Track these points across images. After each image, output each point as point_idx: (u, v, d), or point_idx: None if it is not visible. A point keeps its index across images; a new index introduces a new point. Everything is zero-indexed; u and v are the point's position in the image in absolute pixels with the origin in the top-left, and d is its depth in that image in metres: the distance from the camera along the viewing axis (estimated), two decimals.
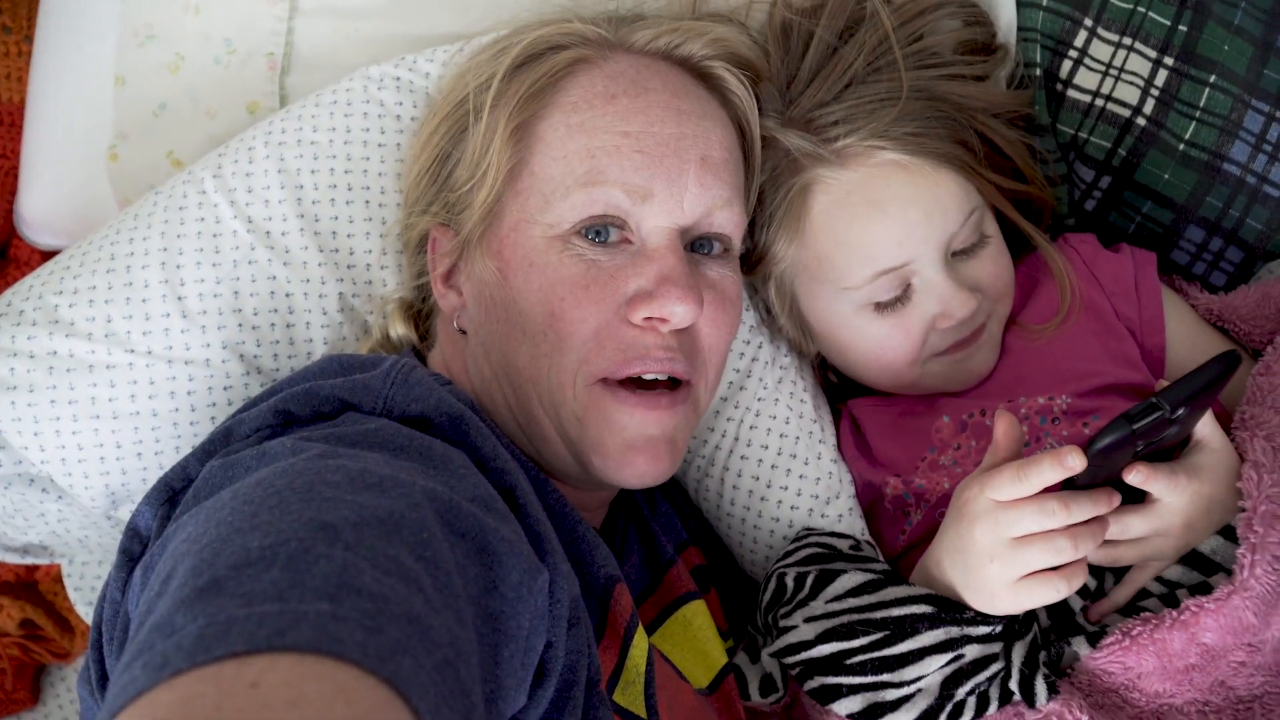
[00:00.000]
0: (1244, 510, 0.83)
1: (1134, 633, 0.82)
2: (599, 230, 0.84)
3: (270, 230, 0.97)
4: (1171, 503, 0.84)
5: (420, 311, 0.97)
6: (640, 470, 0.85)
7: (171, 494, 0.76)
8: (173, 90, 1.11)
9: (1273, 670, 0.81)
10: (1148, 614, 0.83)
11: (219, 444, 0.78)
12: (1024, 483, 0.77)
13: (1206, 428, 0.86)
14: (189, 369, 0.95)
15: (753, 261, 1.02)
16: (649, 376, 0.85)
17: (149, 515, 0.76)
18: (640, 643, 0.83)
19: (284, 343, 0.97)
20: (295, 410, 0.78)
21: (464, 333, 0.90)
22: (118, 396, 0.94)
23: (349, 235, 0.98)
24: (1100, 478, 0.79)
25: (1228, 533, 0.85)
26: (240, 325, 0.95)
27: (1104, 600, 0.90)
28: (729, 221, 0.89)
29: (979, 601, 0.83)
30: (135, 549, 0.75)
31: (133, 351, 0.94)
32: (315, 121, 1.01)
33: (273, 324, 0.96)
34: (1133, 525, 0.85)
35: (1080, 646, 0.85)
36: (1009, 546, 0.79)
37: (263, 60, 1.11)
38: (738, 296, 0.93)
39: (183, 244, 0.96)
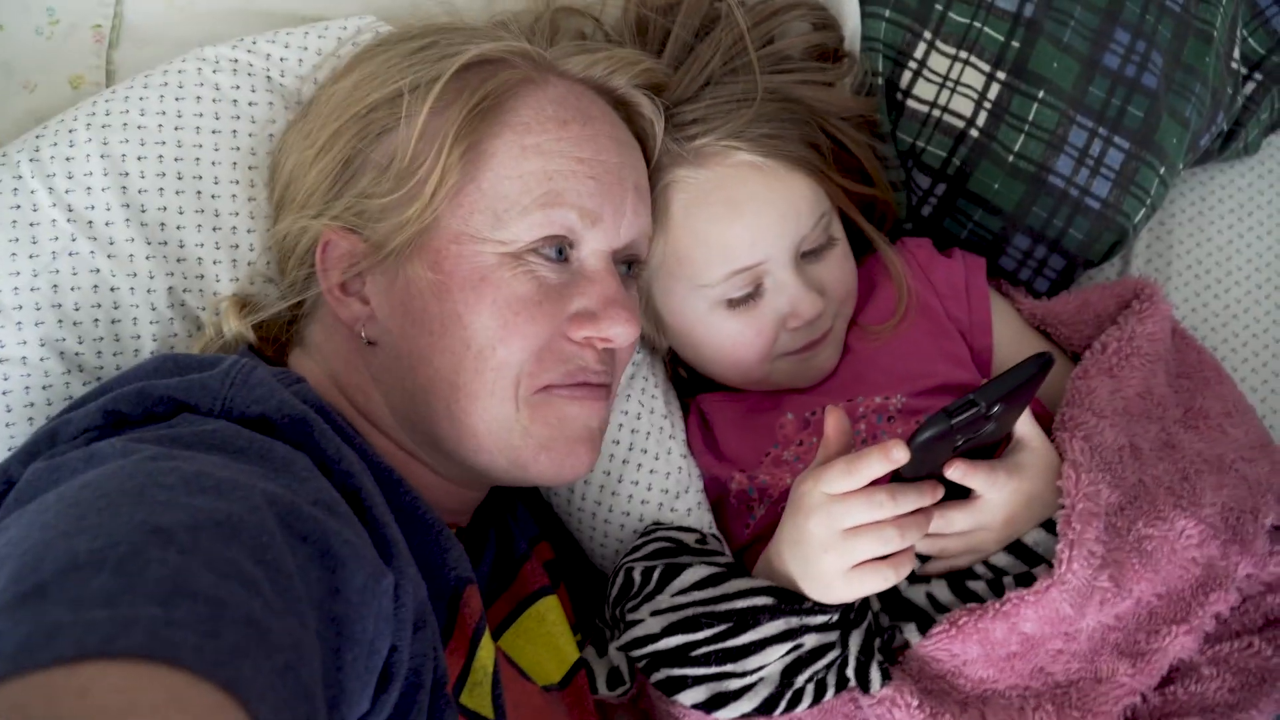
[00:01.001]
0: (1063, 507, 0.87)
1: (960, 622, 0.87)
2: (559, 249, 0.86)
3: (93, 220, 0.91)
4: (993, 498, 0.88)
5: (260, 310, 0.92)
6: (581, 461, 0.88)
7: None
8: None
9: (1086, 657, 0.86)
10: (973, 605, 0.87)
11: (44, 445, 0.74)
12: (853, 476, 0.81)
13: (1026, 427, 0.90)
14: (3, 368, 0.88)
15: None
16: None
17: None
18: (488, 644, 0.83)
19: (109, 339, 0.91)
20: (126, 410, 0.74)
21: (371, 343, 0.87)
22: None
23: (179, 227, 0.93)
24: (924, 472, 0.83)
25: (1050, 526, 0.90)
26: (60, 321, 0.89)
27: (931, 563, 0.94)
28: (645, 246, 0.94)
29: (816, 591, 0.86)
30: None
31: None
32: (144, 104, 0.95)
33: (96, 320, 0.91)
34: (956, 520, 0.89)
35: (911, 635, 0.89)
36: (841, 537, 0.82)
37: (89, 32, 1.05)
38: None
39: None
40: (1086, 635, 0.86)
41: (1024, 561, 0.91)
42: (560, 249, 0.86)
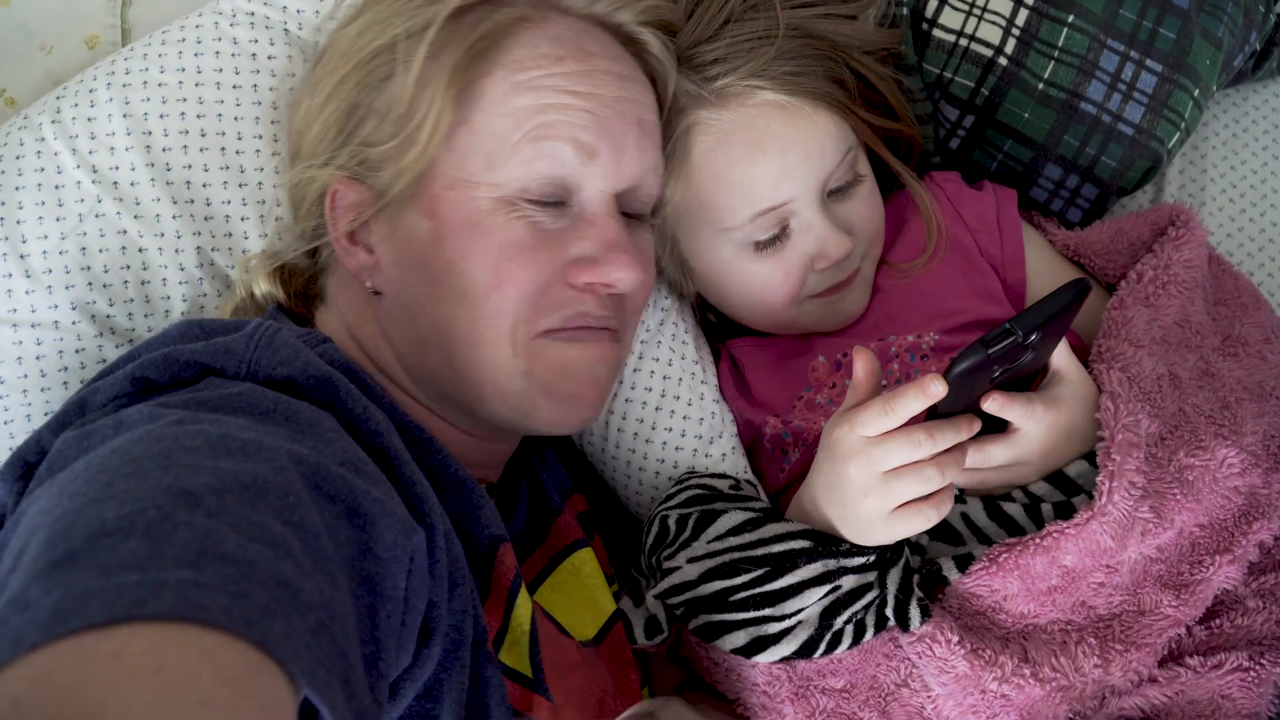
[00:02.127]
0: (1103, 439, 0.86)
1: (999, 558, 0.86)
2: (556, 198, 0.84)
3: (118, 180, 0.91)
4: (1030, 431, 0.87)
5: (287, 268, 0.92)
6: (586, 404, 0.87)
7: (26, 468, 0.72)
8: (4, 22, 1.02)
9: (1129, 590, 0.86)
10: (1011, 540, 0.87)
11: (73, 414, 0.74)
12: (890, 415, 0.79)
13: (1063, 359, 0.89)
14: (36, 332, 0.89)
15: None
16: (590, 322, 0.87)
17: (3, 491, 0.72)
18: (525, 602, 0.83)
19: (139, 301, 0.91)
20: (153, 377, 0.74)
21: (377, 293, 0.87)
22: None
23: (205, 185, 0.93)
24: (961, 406, 0.82)
25: (1090, 457, 0.89)
26: (90, 284, 0.89)
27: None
28: (656, 184, 0.92)
29: (855, 534, 0.86)
30: None
31: None
32: (163, 61, 0.94)
33: (125, 281, 0.91)
34: (994, 453, 0.88)
35: (950, 572, 0.89)
36: (881, 480, 0.81)
37: None
38: (654, 259, 0.95)
39: (21, 197, 0.89)
40: (1128, 567, 0.86)
41: (1062, 491, 0.90)
42: (557, 198, 0.84)
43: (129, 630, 0.46)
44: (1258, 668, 0.83)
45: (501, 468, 0.97)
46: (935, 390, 0.77)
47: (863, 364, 0.84)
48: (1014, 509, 0.90)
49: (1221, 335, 1.02)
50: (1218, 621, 0.87)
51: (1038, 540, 0.85)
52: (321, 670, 0.51)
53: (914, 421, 0.80)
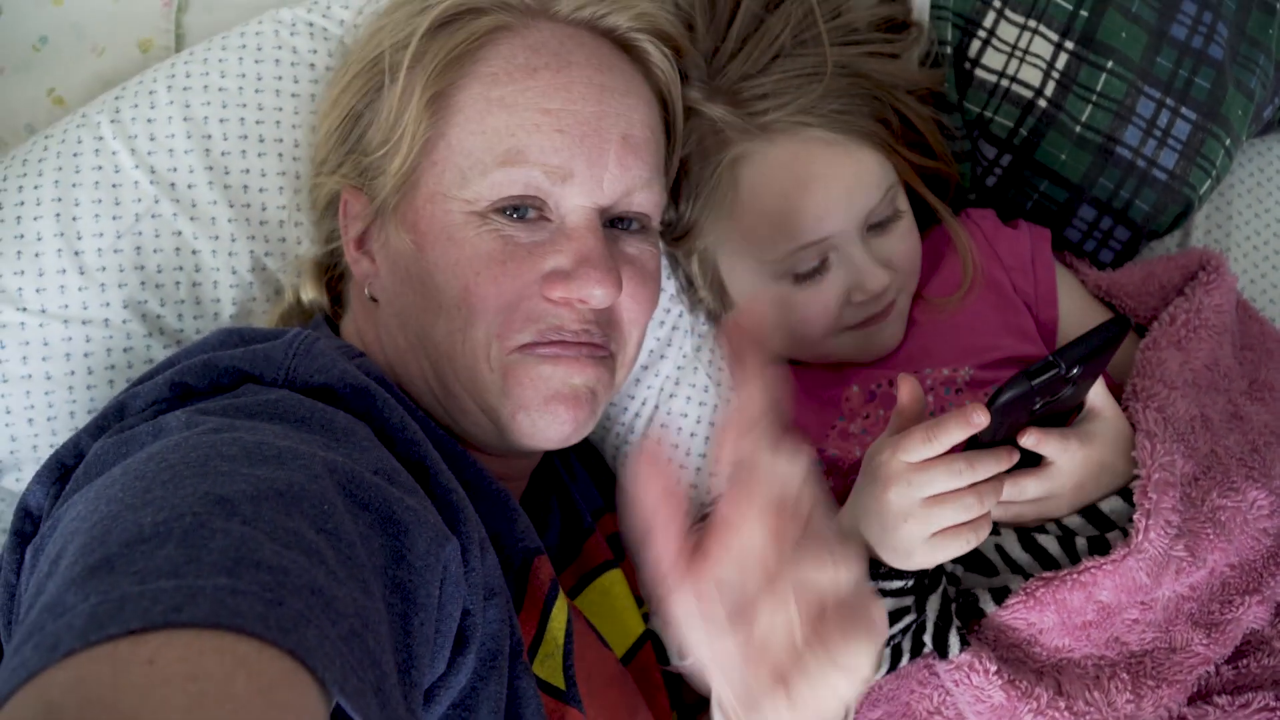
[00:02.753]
0: (1139, 477, 0.88)
1: (1036, 591, 0.87)
2: (517, 208, 0.82)
3: (175, 182, 0.91)
4: (1064, 466, 0.88)
5: (333, 276, 0.93)
6: (563, 420, 0.84)
7: (64, 471, 0.72)
8: (56, 22, 1.03)
9: (1161, 627, 0.87)
10: (1048, 574, 0.88)
11: (112, 419, 0.74)
12: (933, 443, 0.81)
13: (1099, 397, 0.91)
14: (86, 329, 0.89)
15: (678, 235, 1.03)
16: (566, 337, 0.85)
17: (40, 494, 0.72)
18: (559, 615, 0.83)
19: (190, 302, 0.92)
20: (192, 383, 0.74)
21: (375, 300, 0.87)
22: (8, 359, 0.87)
23: (261, 190, 0.93)
24: (1000, 436, 0.84)
25: (1125, 494, 0.91)
26: (143, 283, 0.90)
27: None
28: (648, 201, 0.88)
29: (895, 559, 0.86)
30: (27, 529, 0.71)
31: (24, 310, 0.88)
32: (223, 66, 0.95)
33: (178, 282, 0.91)
34: (1029, 487, 0.89)
35: (986, 604, 0.90)
36: (921, 506, 0.82)
37: None
38: (657, 270, 0.92)
39: (79, 194, 0.90)
40: (1162, 605, 0.87)
41: (1096, 526, 0.91)
42: (522, 209, 0.82)
43: (164, 637, 0.46)
44: None
45: (525, 481, 0.97)
46: (979, 420, 0.78)
47: (908, 391, 0.85)
48: (1048, 541, 0.91)
49: (1248, 379, 1.04)
50: (1245, 661, 0.88)
51: (1075, 575, 0.86)
52: (354, 678, 0.52)
53: (953, 450, 0.82)
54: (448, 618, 0.67)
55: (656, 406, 1.03)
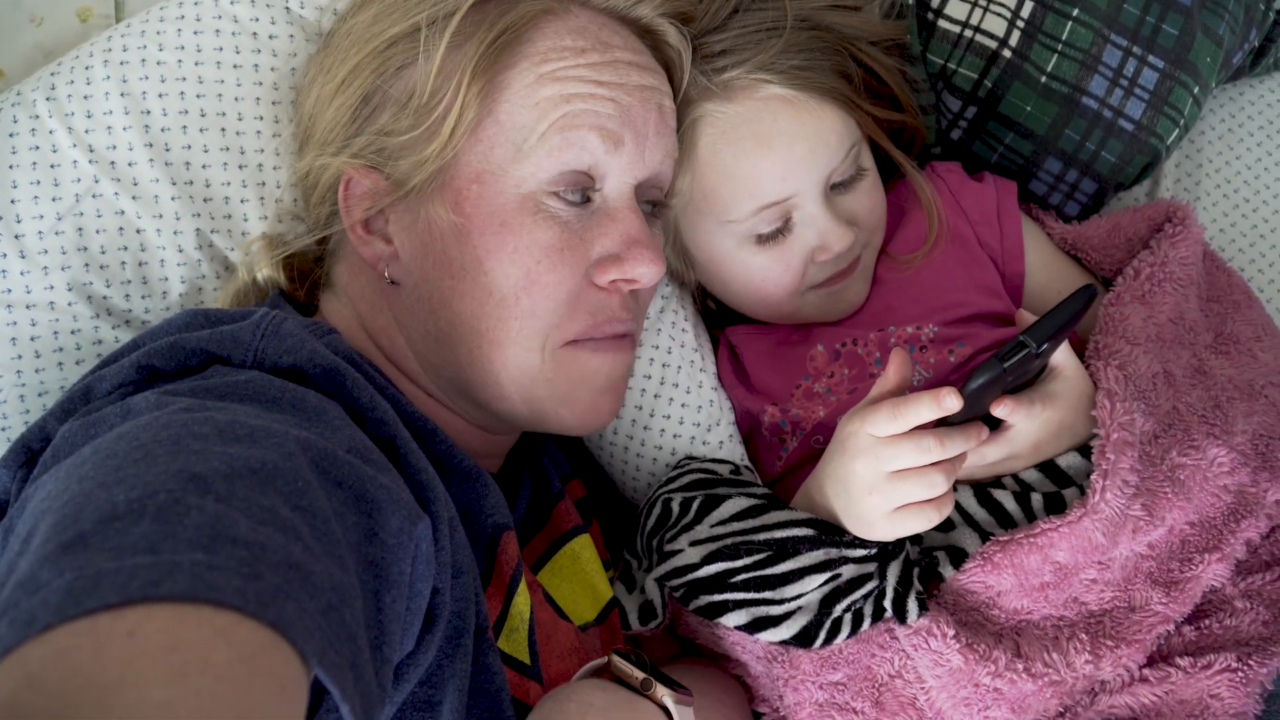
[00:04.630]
0: (1098, 436, 0.88)
1: (993, 555, 0.87)
2: (582, 194, 0.84)
3: (115, 160, 0.89)
4: (1024, 428, 0.89)
5: (295, 253, 0.91)
6: (603, 412, 0.88)
7: (30, 455, 0.72)
8: None
9: (1120, 586, 0.88)
10: (1004, 537, 0.88)
11: (78, 402, 0.74)
12: (898, 420, 0.81)
13: (1061, 355, 0.90)
14: (31, 313, 0.87)
15: None
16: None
17: (7, 478, 0.72)
18: (524, 590, 0.84)
19: (136, 282, 0.90)
20: (159, 365, 0.74)
21: (394, 283, 0.86)
22: None
23: (204, 166, 0.91)
24: (970, 414, 0.83)
25: (1084, 450, 0.91)
26: (87, 265, 0.88)
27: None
28: (670, 171, 0.92)
29: (857, 528, 0.87)
30: None
31: None
32: (161, 39, 0.92)
33: (123, 263, 0.90)
34: (989, 453, 0.90)
35: (944, 568, 0.90)
36: (887, 480, 0.82)
37: None
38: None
39: (15, 175, 0.87)
40: (1120, 564, 0.88)
41: (1053, 481, 0.91)
42: (583, 193, 0.84)
43: (143, 610, 0.47)
44: (1245, 668, 0.84)
45: (503, 458, 0.97)
46: (950, 404, 0.78)
47: (896, 365, 0.85)
48: (1004, 497, 0.91)
49: (1214, 332, 1.03)
50: (1207, 622, 0.89)
51: (1030, 537, 0.86)
52: (332, 651, 0.52)
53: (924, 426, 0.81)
54: (418, 595, 0.67)
55: None
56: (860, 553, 0.88)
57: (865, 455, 0.83)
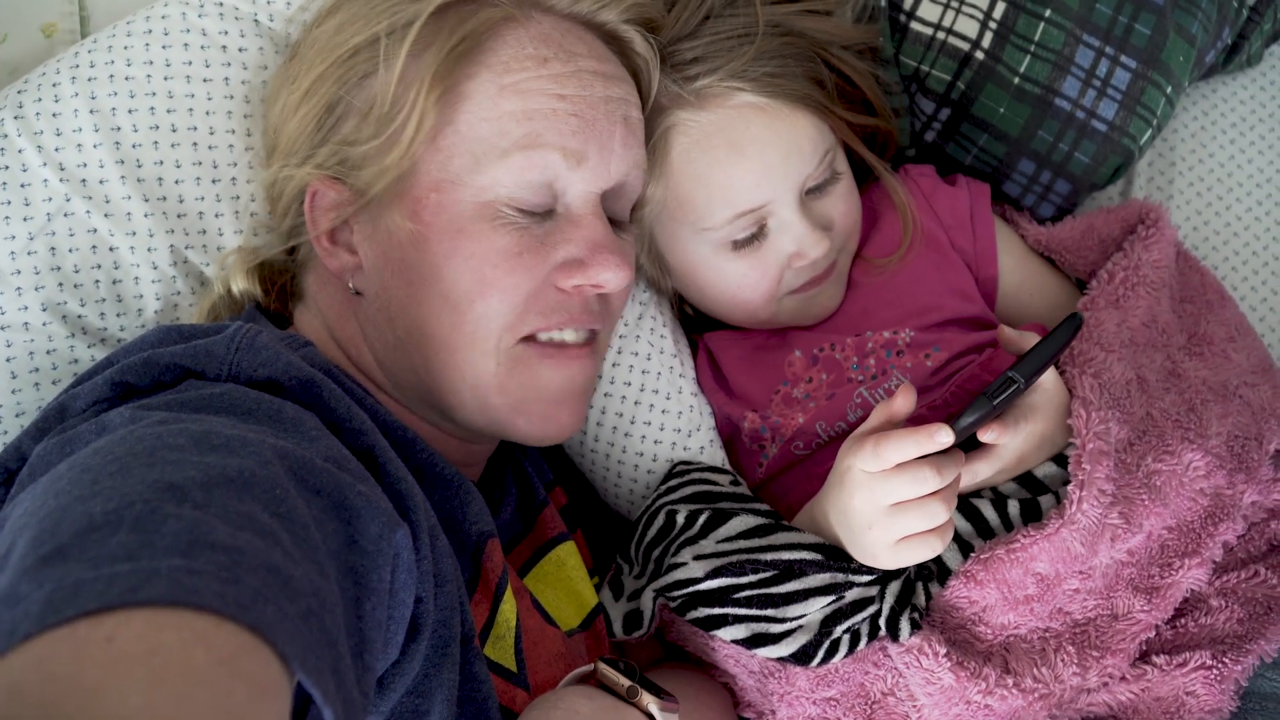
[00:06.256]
0: (1074, 445, 0.88)
1: (975, 573, 0.88)
2: (542, 208, 0.84)
3: (86, 178, 0.88)
4: (1009, 445, 0.89)
5: (265, 265, 0.90)
6: (561, 424, 0.88)
7: (7, 475, 0.72)
8: None
9: (1102, 594, 0.88)
10: (983, 553, 0.88)
11: (53, 420, 0.74)
12: (880, 459, 0.80)
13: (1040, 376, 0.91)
14: (5, 334, 0.87)
15: None
16: (569, 335, 0.87)
17: None
18: (510, 598, 0.84)
19: (111, 300, 0.90)
20: (133, 381, 0.74)
21: (359, 294, 0.86)
22: None
23: (177, 181, 0.90)
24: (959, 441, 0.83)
25: (1059, 459, 0.91)
26: (60, 284, 0.88)
27: None
28: (639, 181, 0.91)
29: (862, 558, 0.87)
30: None
31: None
32: (129, 54, 0.91)
33: (97, 281, 0.89)
34: (980, 470, 0.90)
35: (931, 584, 0.90)
36: (886, 514, 0.82)
37: None
38: (634, 257, 0.95)
39: None
40: (1100, 572, 0.88)
41: (1028, 490, 0.92)
42: (545, 206, 0.84)
43: (122, 616, 0.47)
44: (1220, 666, 0.86)
45: (482, 466, 0.97)
46: (943, 439, 0.78)
47: (902, 401, 0.83)
48: (983, 504, 0.92)
49: (1187, 334, 1.04)
50: (1183, 621, 0.90)
51: (1010, 550, 0.86)
52: (313, 655, 0.52)
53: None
54: (400, 604, 0.67)
55: (599, 376, 1.03)
56: (866, 578, 0.88)
57: (861, 490, 0.82)
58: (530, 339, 0.85)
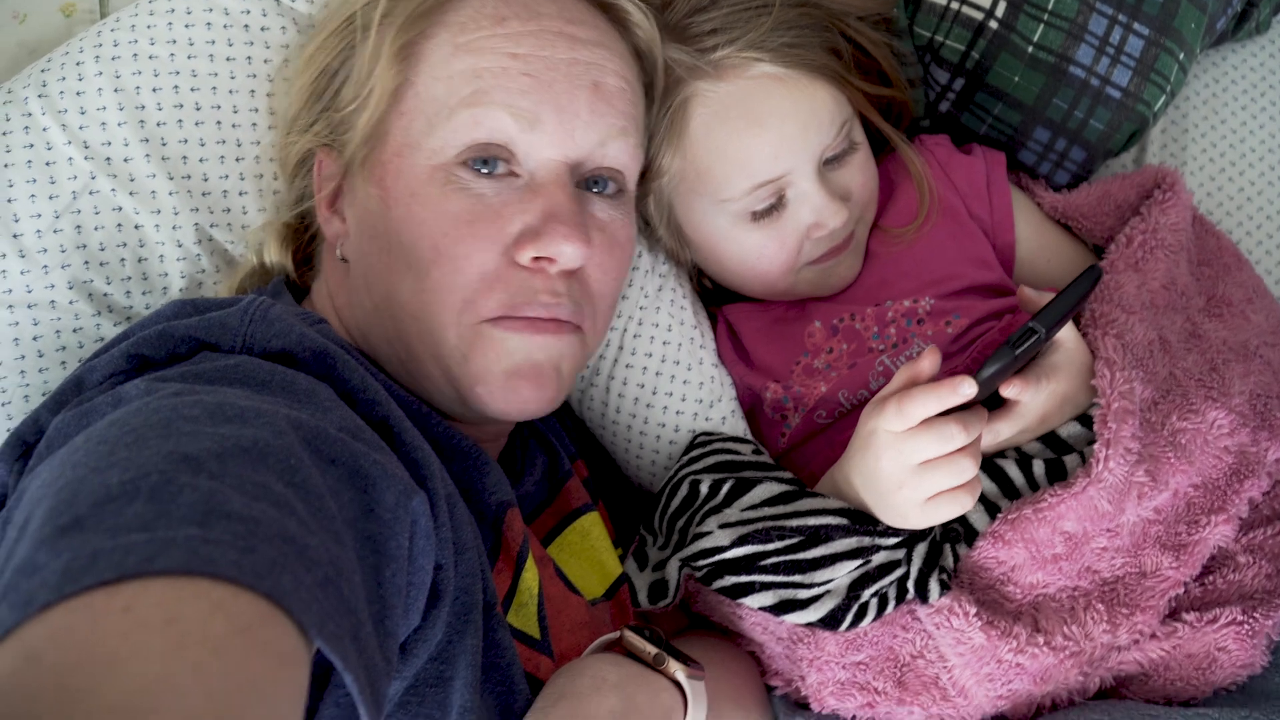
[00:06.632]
0: (1098, 405, 0.88)
1: (1002, 532, 0.88)
2: (484, 161, 0.81)
3: (111, 156, 0.89)
4: (1031, 403, 0.89)
5: (303, 239, 0.91)
6: (525, 397, 0.83)
7: (25, 447, 0.72)
8: None
9: (1130, 552, 0.89)
10: (1010, 513, 0.88)
11: (70, 394, 0.74)
12: (904, 417, 0.80)
13: (1062, 328, 0.91)
14: (32, 312, 0.87)
15: None
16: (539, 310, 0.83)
17: (3, 471, 0.72)
18: (532, 565, 0.84)
19: (136, 278, 0.90)
20: (149, 353, 0.74)
21: (346, 261, 0.86)
22: None
23: (201, 160, 0.91)
24: (982, 397, 0.84)
25: (1084, 419, 0.92)
26: (86, 262, 0.88)
27: None
28: (623, 152, 0.86)
29: (892, 520, 0.87)
30: None
31: None
32: (152, 33, 0.91)
33: (123, 259, 0.89)
34: (1002, 430, 0.90)
35: (959, 546, 0.91)
36: (914, 473, 0.82)
37: None
38: (629, 240, 0.90)
39: (11, 175, 0.87)
40: (1128, 530, 0.88)
41: (1053, 449, 0.92)
42: (488, 160, 0.81)
43: (140, 585, 0.47)
44: (1251, 621, 0.86)
45: (501, 443, 0.97)
46: (967, 390, 0.78)
47: (928, 363, 0.83)
48: (1008, 464, 0.92)
49: (1206, 296, 1.04)
50: (1211, 578, 0.90)
51: (1038, 509, 0.87)
52: (331, 623, 0.52)
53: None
54: (419, 570, 0.67)
55: (620, 348, 1.03)
56: (893, 540, 0.88)
57: (889, 451, 0.83)
58: (492, 321, 0.82)
